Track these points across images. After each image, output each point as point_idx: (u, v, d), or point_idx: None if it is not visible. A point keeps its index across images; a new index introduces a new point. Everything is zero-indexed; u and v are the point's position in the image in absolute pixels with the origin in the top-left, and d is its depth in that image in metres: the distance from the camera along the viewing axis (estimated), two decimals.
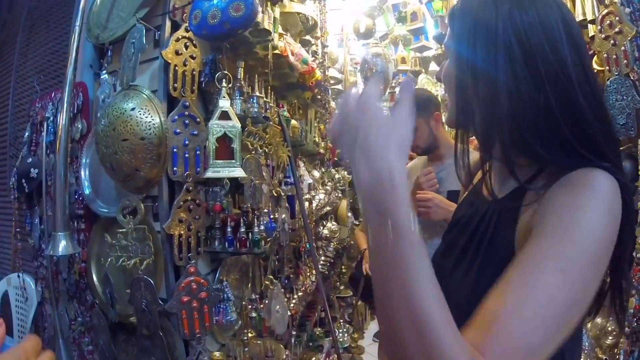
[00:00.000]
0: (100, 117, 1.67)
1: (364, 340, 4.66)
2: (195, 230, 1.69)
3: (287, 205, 2.27)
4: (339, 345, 3.06)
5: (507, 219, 0.84)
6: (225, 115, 1.69)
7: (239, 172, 1.69)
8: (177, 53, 1.67)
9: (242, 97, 1.89)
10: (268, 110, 2.15)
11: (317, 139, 3.59)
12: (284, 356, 2.32)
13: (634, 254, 1.94)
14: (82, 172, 1.92)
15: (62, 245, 1.64)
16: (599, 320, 2.22)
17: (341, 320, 3.90)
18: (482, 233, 0.91)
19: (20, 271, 2.45)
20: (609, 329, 2.13)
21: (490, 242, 0.88)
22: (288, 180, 2.43)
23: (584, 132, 0.77)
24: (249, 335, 1.99)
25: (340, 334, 3.61)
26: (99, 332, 1.90)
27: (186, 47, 1.69)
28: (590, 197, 0.73)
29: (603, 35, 2.01)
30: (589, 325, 2.25)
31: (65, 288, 2.10)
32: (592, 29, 2.25)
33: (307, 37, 2.84)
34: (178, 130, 1.65)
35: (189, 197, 1.67)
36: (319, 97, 3.25)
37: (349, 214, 4.50)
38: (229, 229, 1.77)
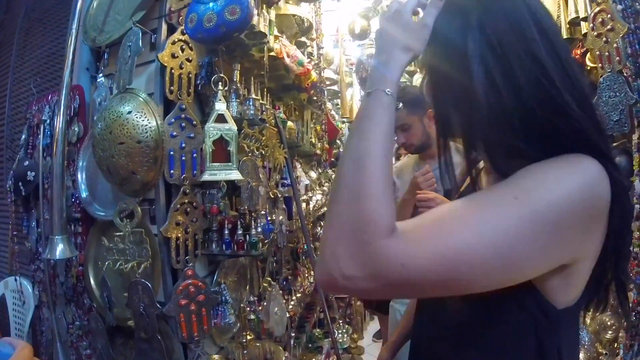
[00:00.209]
0: (97, 120, 1.67)
1: (364, 341, 4.67)
2: (193, 233, 1.69)
3: (284, 206, 2.28)
4: (338, 346, 3.06)
5: None
6: (221, 118, 1.70)
7: (235, 175, 1.70)
8: (173, 56, 1.67)
9: (238, 100, 1.90)
10: (264, 112, 2.16)
11: (313, 140, 3.59)
12: (283, 358, 2.32)
13: (631, 248, 1.95)
14: (79, 175, 1.91)
15: (60, 249, 1.64)
16: (598, 315, 2.23)
17: (340, 321, 3.89)
18: None
19: (18, 274, 2.44)
20: (609, 323, 2.14)
21: None
22: (285, 181, 2.44)
23: (573, 127, 0.76)
24: (248, 337, 2.00)
25: (340, 335, 3.60)
26: (97, 336, 1.90)
27: (182, 50, 1.70)
28: (570, 172, 0.73)
29: (595, 33, 2.02)
30: (588, 320, 2.26)
31: (62, 291, 2.09)
32: (584, 27, 2.26)
33: (303, 39, 2.85)
34: (174, 133, 1.65)
35: (186, 200, 1.67)
36: (314, 98, 3.25)
37: None
38: (226, 232, 1.78)
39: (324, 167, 4.10)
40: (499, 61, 0.77)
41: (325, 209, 3.67)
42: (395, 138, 2.42)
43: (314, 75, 2.75)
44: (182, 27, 1.70)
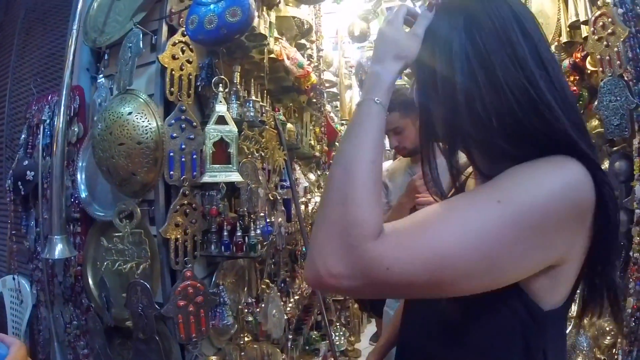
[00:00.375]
0: (97, 121, 1.68)
1: (361, 344, 4.66)
2: (192, 234, 1.69)
3: (283, 208, 2.28)
4: (335, 348, 3.06)
5: None
6: (222, 120, 1.70)
7: (235, 177, 1.70)
8: (173, 57, 1.68)
9: (238, 101, 1.90)
10: (264, 114, 2.16)
11: (312, 142, 3.59)
12: None
13: (631, 253, 1.96)
14: (79, 176, 1.92)
15: (59, 249, 1.64)
16: (596, 320, 2.23)
17: (337, 324, 3.90)
18: None
19: (16, 273, 2.44)
20: (607, 329, 2.14)
21: None
22: (284, 183, 2.44)
23: (555, 128, 0.76)
24: (246, 339, 2.00)
25: (337, 338, 3.61)
26: (95, 336, 1.90)
27: (183, 51, 1.70)
28: (552, 173, 0.74)
29: (596, 37, 2.02)
30: (587, 325, 2.26)
31: (60, 291, 2.10)
32: (585, 30, 2.27)
33: (303, 41, 2.85)
34: (174, 135, 1.66)
35: (186, 201, 1.67)
36: (314, 100, 3.25)
37: None
38: (225, 233, 1.78)
39: (323, 169, 4.10)
40: (483, 63, 0.78)
41: None
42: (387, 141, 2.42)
43: (313, 77, 2.76)
44: (183, 29, 1.70)
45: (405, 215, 0.80)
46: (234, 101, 1.87)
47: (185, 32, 1.69)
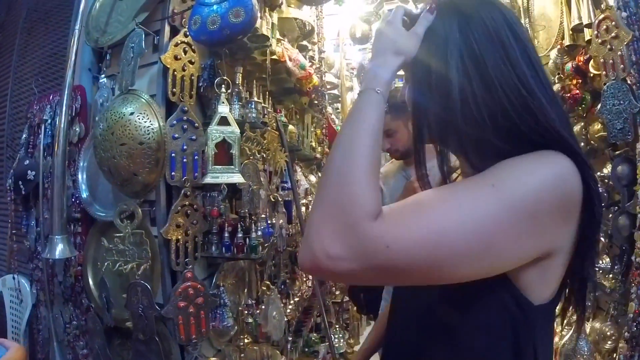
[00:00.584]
0: (99, 121, 1.67)
1: (360, 346, 4.64)
2: (193, 235, 1.69)
3: (284, 210, 2.27)
4: (335, 350, 3.06)
5: None
6: (224, 121, 1.70)
7: (237, 178, 1.69)
8: (176, 58, 1.68)
9: (240, 103, 1.90)
10: (266, 116, 2.16)
11: (313, 144, 3.59)
12: None
13: (633, 258, 1.95)
14: (80, 176, 1.91)
15: (59, 249, 1.64)
16: (597, 325, 2.23)
17: (337, 326, 3.89)
18: None
19: (16, 272, 2.44)
20: (608, 333, 2.14)
21: None
22: (285, 185, 2.44)
23: (545, 125, 0.79)
24: (245, 340, 1.99)
25: (336, 340, 3.60)
26: (94, 336, 1.89)
27: (185, 52, 1.70)
28: (543, 164, 0.76)
29: (600, 40, 2.02)
30: (587, 329, 2.26)
31: (60, 291, 2.09)
32: (588, 33, 2.26)
33: (304, 43, 2.85)
34: (176, 135, 1.65)
35: (187, 202, 1.67)
36: (315, 102, 3.25)
37: None
38: (226, 234, 1.77)
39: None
40: (477, 62, 0.81)
41: None
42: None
43: (315, 79, 2.76)
44: (185, 29, 1.69)
45: None
46: (236, 102, 1.87)
47: (187, 33, 1.68)
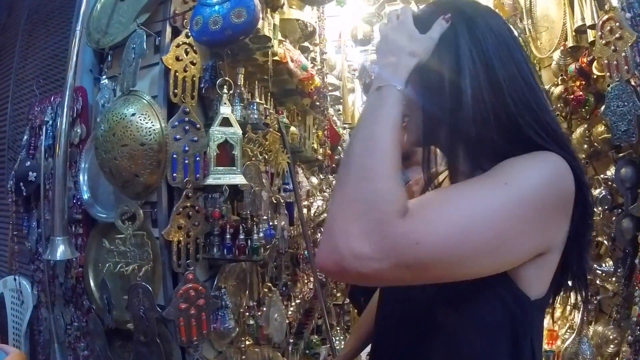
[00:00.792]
0: (100, 122, 1.67)
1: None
2: (194, 236, 1.68)
3: (286, 212, 2.27)
4: (336, 352, 3.05)
5: None
6: (226, 122, 1.69)
7: (239, 179, 1.69)
8: (177, 59, 1.67)
9: (242, 104, 1.89)
10: (268, 117, 2.15)
11: (315, 146, 3.59)
12: None
13: (636, 261, 1.95)
14: (81, 177, 1.91)
15: (60, 250, 1.64)
16: (600, 328, 2.22)
17: (338, 328, 3.88)
18: None
19: (17, 274, 2.44)
20: (611, 337, 2.13)
21: None
22: (287, 187, 2.43)
23: (544, 122, 0.85)
24: (247, 342, 1.99)
25: (338, 342, 3.59)
26: (95, 337, 1.89)
27: (186, 53, 1.69)
28: (544, 163, 0.80)
29: (604, 41, 2.01)
30: (590, 333, 2.25)
31: (61, 292, 2.09)
32: (591, 35, 2.26)
33: (306, 44, 2.85)
34: (178, 136, 1.65)
35: (188, 204, 1.66)
36: (317, 103, 3.25)
37: None
38: (227, 236, 1.76)
39: (326, 172, 4.09)
40: (486, 64, 0.85)
41: (326, 214, 3.66)
42: None
43: (317, 80, 2.75)
44: (187, 30, 1.69)
45: None
46: (238, 103, 1.87)
47: (189, 34, 1.68)
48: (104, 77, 1.88)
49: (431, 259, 0.69)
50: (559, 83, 2.64)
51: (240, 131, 1.70)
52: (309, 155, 3.36)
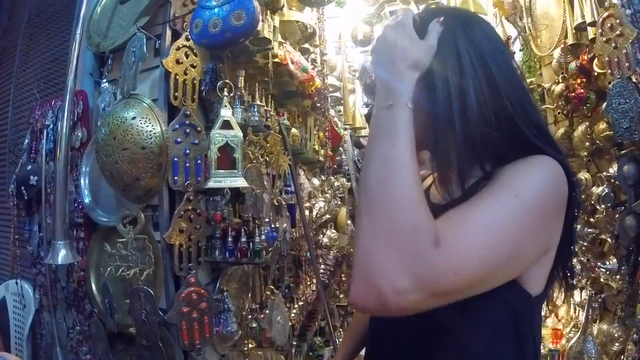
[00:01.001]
0: (101, 126, 1.66)
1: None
2: (196, 240, 1.68)
3: (287, 214, 2.26)
4: None
5: None
6: (226, 125, 1.69)
7: (241, 182, 1.68)
8: (177, 62, 1.67)
9: (242, 106, 1.89)
10: (269, 119, 2.15)
11: (316, 147, 3.58)
12: None
13: None
14: (82, 181, 1.91)
15: (62, 254, 1.64)
16: (605, 326, 2.22)
17: (341, 330, 3.88)
18: None
19: (19, 277, 2.44)
20: (616, 335, 2.12)
21: None
22: (288, 188, 2.43)
23: (537, 122, 0.90)
24: (249, 345, 1.98)
25: None
26: (97, 341, 1.88)
27: (187, 55, 1.69)
28: (538, 167, 0.83)
29: (604, 38, 2.00)
30: (595, 331, 2.25)
31: (63, 296, 2.09)
32: (591, 32, 2.25)
33: (306, 45, 2.84)
34: (179, 140, 1.64)
35: (190, 207, 1.65)
36: (318, 104, 3.24)
37: (349, 222, 4.48)
38: (229, 239, 1.76)
39: (327, 174, 4.09)
40: (484, 66, 0.88)
41: (328, 216, 3.66)
42: None
43: (317, 81, 2.74)
44: (187, 33, 1.69)
45: None
46: (239, 106, 1.86)
47: (189, 36, 1.68)
48: (105, 80, 1.88)
49: (466, 285, 0.71)
50: (560, 81, 2.63)
51: (241, 134, 1.70)
52: (310, 156, 3.35)
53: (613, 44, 1.96)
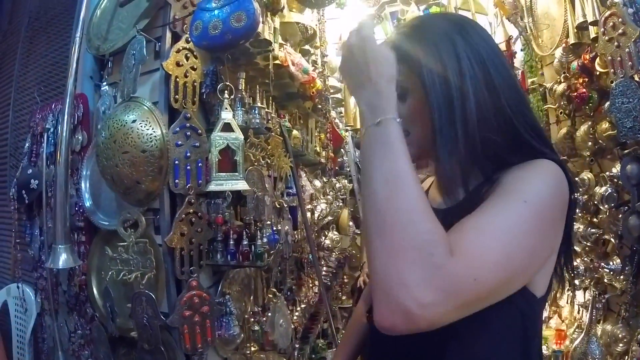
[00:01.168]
0: (101, 129, 1.66)
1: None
2: (197, 243, 1.67)
3: (289, 216, 2.26)
4: None
5: None
6: (227, 127, 1.68)
7: (242, 185, 1.68)
8: (177, 64, 1.66)
9: (243, 108, 1.88)
10: (270, 121, 2.14)
11: (318, 149, 3.57)
12: None
13: None
14: (83, 184, 1.90)
15: (63, 258, 1.63)
16: (609, 327, 2.21)
17: (344, 332, 3.86)
18: None
19: (20, 281, 2.43)
20: (620, 335, 2.11)
21: None
22: (290, 191, 2.42)
23: (533, 123, 0.92)
24: (252, 348, 1.97)
25: None
26: (99, 345, 1.88)
27: (187, 58, 1.68)
28: (541, 172, 0.85)
29: (606, 37, 1.99)
30: (599, 332, 2.24)
31: (65, 300, 2.08)
32: (593, 31, 2.24)
33: (307, 47, 2.84)
34: (179, 142, 1.63)
35: (191, 210, 1.65)
36: (319, 106, 3.24)
37: (350, 224, 4.48)
38: (231, 242, 1.75)
39: (329, 175, 4.08)
40: (483, 67, 0.90)
41: (330, 218, 3.65)
42: None
43: (318, 83, 2.74)
44: (187, 35, 1.68)
45: None
46: (239, 108, 1.85)
47: (189, 39, 1.67)
48: (105, 83, 1.87)
49: (487, 292, 0.72)
50: (562, 80, 2.63)
51: (242, 136, 1.69)
52: (312, 158, 3.35)
53: (615, 43, 1.95)
